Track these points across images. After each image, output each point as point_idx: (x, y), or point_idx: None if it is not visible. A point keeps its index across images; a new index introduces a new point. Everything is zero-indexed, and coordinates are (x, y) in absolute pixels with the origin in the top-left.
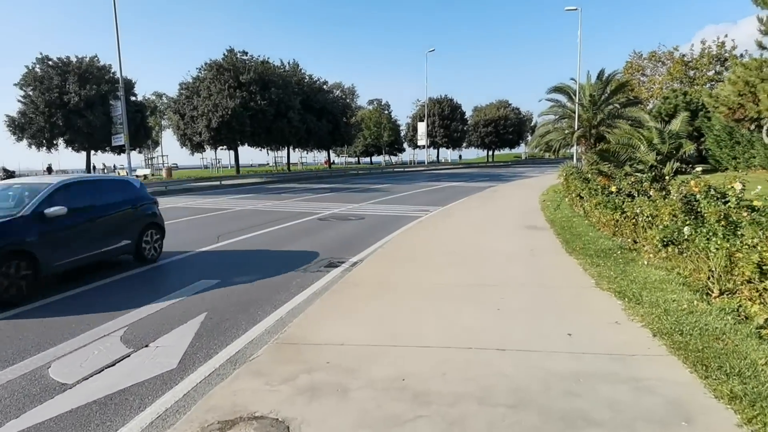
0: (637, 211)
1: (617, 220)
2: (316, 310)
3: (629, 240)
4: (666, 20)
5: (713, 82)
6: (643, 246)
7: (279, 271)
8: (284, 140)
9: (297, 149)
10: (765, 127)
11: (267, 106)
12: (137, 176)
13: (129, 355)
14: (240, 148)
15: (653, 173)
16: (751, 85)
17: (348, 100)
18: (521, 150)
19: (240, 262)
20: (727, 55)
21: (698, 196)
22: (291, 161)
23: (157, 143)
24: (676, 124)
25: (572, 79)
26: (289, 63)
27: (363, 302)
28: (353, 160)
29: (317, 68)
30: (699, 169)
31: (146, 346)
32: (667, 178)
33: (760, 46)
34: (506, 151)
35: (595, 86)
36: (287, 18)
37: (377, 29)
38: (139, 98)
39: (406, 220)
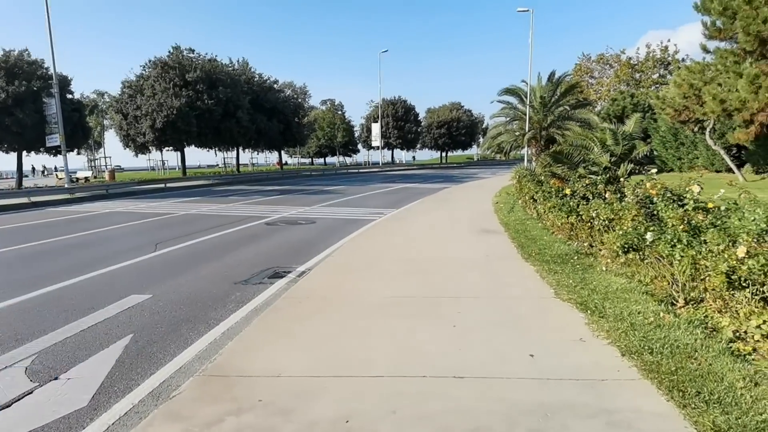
0: (593, 214)
1: (572, 224)
2: (253, 332)
3: (585, 244)
4: (612, 24)
5: (658, 85)
6: (600, 251)
7: (217, 283)
8: (233, 141)
9: (247, 150)
10: (708, 129)
11: (214, 106)
12: (77, 179)
13: (32, 392)
14: (187, 149)
15: (608, 175)
16: (695, 87)
17: (300, 100)
18: (474, 151)
19: (175, 273)
20: (670, 59)
21: (655, 199)
22: (241, 162)
23: (99, 144)
24: (629, 125)
25: (523, 81)
26: (238, 61)
27: (306, 321)
28: (306, 160)
29: (267, 67)
30: (654, 170)
31: (56, 378)
32: (621, 180)
33: (704, 49)
34: (459, 152)
35: (546, 88)
36: (235, 16)
37: (330, 29)
38: (77, 96)
39: (360, 223)
